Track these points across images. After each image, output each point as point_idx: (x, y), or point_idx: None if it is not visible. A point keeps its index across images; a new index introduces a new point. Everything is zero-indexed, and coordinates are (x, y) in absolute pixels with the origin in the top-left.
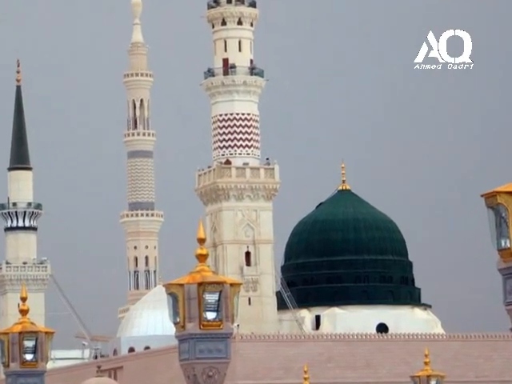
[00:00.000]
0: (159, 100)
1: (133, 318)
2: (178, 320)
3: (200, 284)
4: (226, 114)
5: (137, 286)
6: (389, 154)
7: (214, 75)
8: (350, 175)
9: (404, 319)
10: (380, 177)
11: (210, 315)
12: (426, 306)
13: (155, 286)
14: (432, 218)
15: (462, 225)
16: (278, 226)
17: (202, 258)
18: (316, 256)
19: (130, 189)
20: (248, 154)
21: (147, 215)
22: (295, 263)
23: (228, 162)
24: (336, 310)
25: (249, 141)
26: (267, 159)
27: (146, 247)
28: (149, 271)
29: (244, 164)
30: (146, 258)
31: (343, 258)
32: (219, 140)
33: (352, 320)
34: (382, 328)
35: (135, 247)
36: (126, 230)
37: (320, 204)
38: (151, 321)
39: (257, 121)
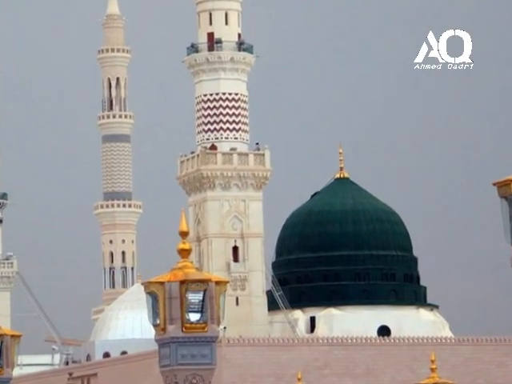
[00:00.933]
0: (137, 79)
1: (108, 320)
2: (158, 322)
3: (182, 282)
4: (211, 94)
5: (113, 285)
6: (391, 137)
7: (197, 51)
8: (348, 162)
9: (408, 321)
10: (382, 164)
11: (194, 317)
12: (433, 307)
13: (133, 284)
14: (439, 208)
15: (472, 217)
16: (268, 218)
17: (184, 253)
18: (311, 251)
19: (105, 177)
20: (236, 138)
21: (124, 206)
22: (288, 259)
23: (213, 148)
24: (333, 310)
25: (236, 124)
26: (257, 144)
27: (123, 241)
28: (126, 268)
29: (231, 149)
30: (123, 253)
31: (341, 253)
32: (204, 123)
33: (351, 322)
34: (384, 331)
35: (111, 241)
36: (100, 223)
37: (315, 193)
38: (128, 323)
39: (245, 101)
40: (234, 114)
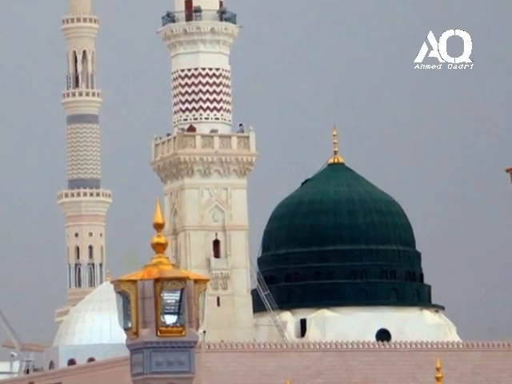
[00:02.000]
0: (106, 52)
1: (73, 323)
2: (130, 325)
3: (157, 280)
4: (189, 70)
5: (78, 283)
6: (390, 118)
7: (174, 21)
8: (343, 145)
9: (410, 324)
10: (380, 147)
11: (170, 319)
12: (438, 308)
13: (101, 282)
14: (445, 198)
15: (482, 206)
16: (253, 209)
17: (159, 247)
18: (301, 245)
19: (70, 162)
20: (217, 118)
21: (91, 195)
22: (275, 254)
23: (192, 129)
24: (326, 312)
25: (218, 102)
26: (241, 125)
27: (90, 235)
28: (93, 264)
29: (212, 131)
30: (90, 247)
31: (335, 247)
32: (181, 101)
33: (346, 325)
34: (384, 335)
35: (76, 234)
36: (65, 214)
37: (306, 181)
38: (96, 326)
39: (227, 77)
40: (214, 91)
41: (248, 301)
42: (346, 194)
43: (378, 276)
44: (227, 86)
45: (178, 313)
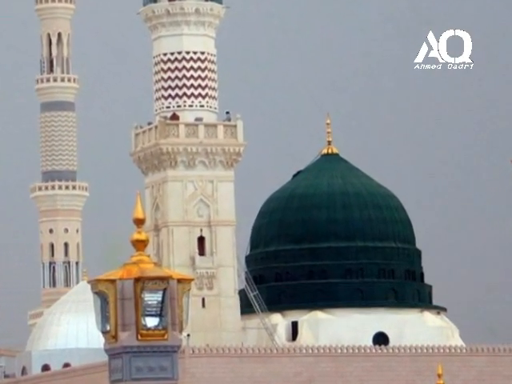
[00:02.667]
0: (83, 34)
1: (48, 326)
2: (108, 328)
3: (137, 280)
4: (172, 53)
5: (53, 283)
6: (388, 106)
7: (156, 1)
8: (337, 134)
9: (410, 327)
10: (377, 137)
11: (151, 322)
12: (440, 309)
13: (77, 282)
14: (447, 191)
15: (486, 201)
16: (241, 203)
17: (140, 244)
18: (292, 242)
19: (45, 153)
20: (202, 106)
21: (67, 188)
22: (265, 252)
23: (175, 117)
24: (319, 314)
25: (203, 89)
26: (227, 113)
27: (66, 231)
28: (69, 263)
29: (196, 119)
30: (66, 245)
31: (329, 244)
32: (163, 88)
33: (341, 328)
34: (381, 339)
35: (51, 231)
36: (38, 208)
37: (298, 173)
38: (72, 329)
39: (213, 62)
40: (199, 77)
41: (235, 302)
42: (340, 187)
43: (375, 275)
44: (213, 71)
45: (160, 315)
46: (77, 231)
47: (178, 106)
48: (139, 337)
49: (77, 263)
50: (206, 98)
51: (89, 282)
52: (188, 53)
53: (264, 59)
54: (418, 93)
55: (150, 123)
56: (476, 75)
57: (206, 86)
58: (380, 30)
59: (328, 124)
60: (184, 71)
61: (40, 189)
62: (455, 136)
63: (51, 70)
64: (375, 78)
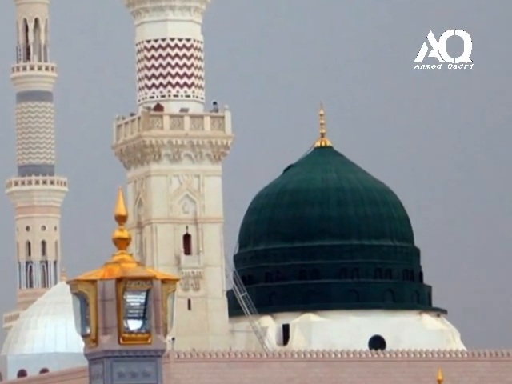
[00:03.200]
0: (61, 20)
1: (24, 329)
2: (89, 331)
3: (119, 280)
4: (156, 40)
5: (30, 284)
6: (386, 97)
7: None
8: (331, 126)
9: (408, 330)
10: (374, 129)
11: (134, 324)
12: (440, 312)
13: (56, 283)
14: (447, 187)
15: (489, 196)
16: (229, 199)
17: (122, 243)
18: (283, 241)
19: (21, 146)
20: (188, 95)
21: (44, 183)
22: (254, 251)
23: (159, 108)
24: (312, 317)
25: (188, 77)
26: (215, 103)
27: (43, 228)
28: (47, 262)
29: (182, 110)
30: (43, 243)
31: (322, 243)
32: (146, 76)
33: (335, 331)
34: (378, 343)
35: (27, 228)
36: (14, 204)
37: (289, 167)
38: (50, 332)
39: (200, 49)
40: (185, 65)
41: (223, 304)
42: (334, 182)
43: (371, 275)
44: (199, 59)
45: (144, 317)
46: (55, 229)
47: (163, 96)
48: (121, 340)
49: (55, 262)
50: (192, 88)
51: (68, 283)
52: (173, 40)
53: (253, 46)
54: (418, 93)
55: (132, 114)
56: (476, 75)
57: (192, 74)
58: (379, 30)
59: (321, 115)
60: (169, 59)
61: (16, 184)
62: (455, 135)
63: (28, 57)
64: (371, 68)
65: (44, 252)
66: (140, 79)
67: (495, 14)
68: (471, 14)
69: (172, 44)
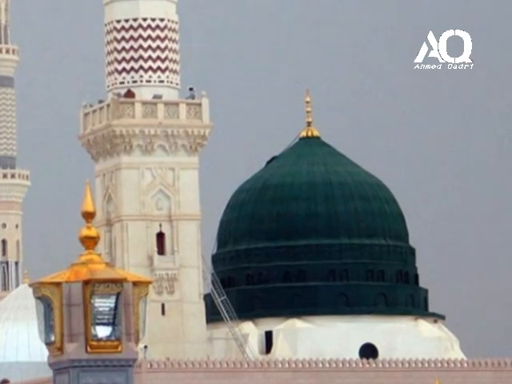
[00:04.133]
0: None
1: None
2: (53, 339)
3: (87, 283)
4: (126, 20)
5: None
6: (377, 83)
7: None
8: (318, 115)
9: (403, 337)
10: (364, 118)
11: (103, 331)
12: (437, 317)
13: (17, 285)
14: (445, 181)
15: (489, 192)
16: (207, 194)
17: (89, 242)
18: (266, 240)
19: None
20: (161, 81)
21: (5, 177)
22: (234, 251)
23: (130, 94)
24: (297, 322)
25: (162, 61)
26: (191, 90)
27: (4, 226)
28: (7, 263)
29: (155, 97)
30: (4, 242)
31: (308, 242)
32: (116, 60)
33: (322, 339)
34: (369, 351)
35: None
36: None
37: (272, 159)
38: (11, 340)
39: (175, 30)
40: (158, 47)
41: (200, 309)
42: (322, 176)
43: (362, 277)
44: (174, 41)
45: (113, 323)
46: (16, 227)
47: (134, 82)
48: (89, 349)
49: (16, 263)
50: (166, 72)
51: (30, 286)
52: (145, 20)
53: (234, 27)
54: (418, 91)
55: (101, 101)
56: (476, 75)
57: (166, 58)
58: (379, 31)
59: (308, 102)
60: (141, 41)
61: None
62: (455, 135)
63: None
64: (362, 56)
65: (4, 252)
66: (109, 63)
67: (495, 14)
68: (471, 14)
69: (144, 24)
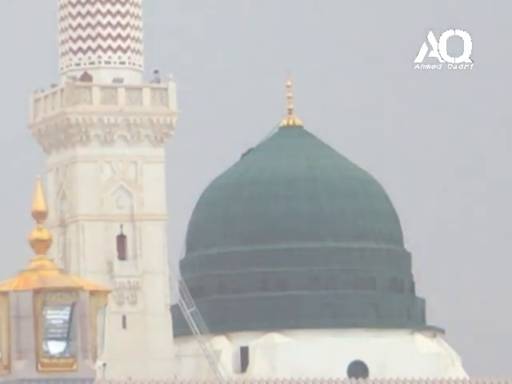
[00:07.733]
0: None
1: None
2: (0, 355)
3: (37, 292)
4: None
5: None
6: (365, 64)
7: None
8: (300, 101)
9: (397, 353)
10: (353, 105)
11: (56, 347)
12: (436, 331)
13: None
14: (443, 177)
15: (493, 189)
16: (174, 191)
17: (40, 245)
18: (241, 243)
19: None
20: (122, 62)
21: None
22: (205, 255)
23: (87, 78)
24: (276, 337)
25: (123, 40)
26: (156, 72)
27: None
28: None
29: (115, 80)
30: None
31: (289, 245)
32: (71, 39)
33: (305, 355)
34: (359, 369)
35: None
36: None
37: (248, 151)
38: None
39: (138, 5)
40: (119, 24)
41: (166, 321)
42: (304, 170)
43: (350, 286)
44: (137, 18)
45: (67, 338)
46: None
47: (91, 63)
48: (40, 367)
49: None
50: (128, 53)
51: None
52: None
53: (205, 1)
54: (418, 90)
55: (53, 86)
56: (476, 75)
57: (128, 36)
58: (379, 29)
59: (289, 87)
60: (99, 17)
61: None
62: (454, 135)
63: None
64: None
65: None
66: (63, 42)
67: (495, 14)
68: (471, 14)
69: None
